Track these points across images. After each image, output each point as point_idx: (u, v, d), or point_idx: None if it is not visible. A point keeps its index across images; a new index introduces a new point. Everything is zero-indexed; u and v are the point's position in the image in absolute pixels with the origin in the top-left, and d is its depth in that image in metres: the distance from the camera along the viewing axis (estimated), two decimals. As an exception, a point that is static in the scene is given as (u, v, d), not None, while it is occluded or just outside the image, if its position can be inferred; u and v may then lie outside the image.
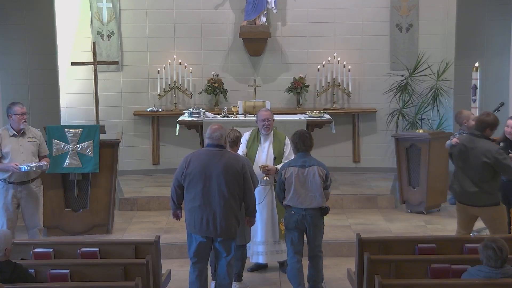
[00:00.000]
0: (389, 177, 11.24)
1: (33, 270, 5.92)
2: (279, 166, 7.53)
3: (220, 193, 6.62)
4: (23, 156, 7.72)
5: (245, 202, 6.82)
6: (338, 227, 9.18)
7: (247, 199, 6.80)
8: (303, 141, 7.03)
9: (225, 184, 6.62)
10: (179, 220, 7.06)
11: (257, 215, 7.55)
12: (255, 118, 7.99)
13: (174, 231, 9.07)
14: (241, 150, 7.78)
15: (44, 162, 7.80)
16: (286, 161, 7.52)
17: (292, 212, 7.02)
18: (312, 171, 6.97)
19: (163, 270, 6.93)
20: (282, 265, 7.98)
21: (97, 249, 6.41)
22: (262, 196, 7.70)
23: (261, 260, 7.84)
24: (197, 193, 6.66)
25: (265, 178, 7.58)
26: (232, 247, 6.78)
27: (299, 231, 7.06)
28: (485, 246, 5.47)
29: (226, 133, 6.91)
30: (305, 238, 7.16)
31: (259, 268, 8.04)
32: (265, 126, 7.75)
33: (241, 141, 7.78)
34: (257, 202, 7.48)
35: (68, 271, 5.96)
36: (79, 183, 9.01)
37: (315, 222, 7.02)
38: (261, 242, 7.75)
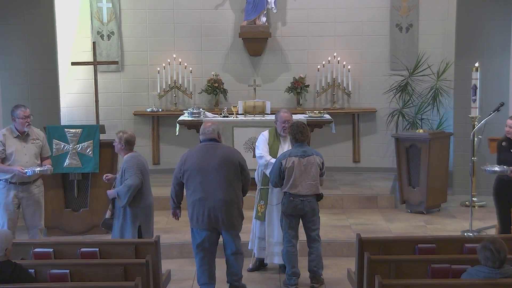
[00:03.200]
0: (389, 177, 11.24)
1: (33, 270, 5.91)
2: None
3: (219, 185, 6.83)
4: (26, 157, 7.73)
5: (243, 186, 7.09)
6: (338, 227, 9.17)
7: (246, 185, 7.10)
8: (301, 132, 7.41)
9: (223, 175, 6.84)
10: (178, 219, 7.28)
11: (274, 216, 7.73)
12: (274, 118, 7.98)
13: (174, 231, 9.06)
14: (264, 148, 7.83)
15: (48, 166, 7.84)
16: None
17: (291, 198, 7.37)
18: (311, 160, 7.38)
19: (163, 270, 6.93)
20: (283, 265, 7.95)
21: (97, 249, 6.41)
22: (280, 197, 7.67)
23: (276, 260, 7.85)
24: (196, 187, 6.88)
25: None
26: (236, 239, 7.04)
27: (296, 217, 7.47)
28: (483, 247, 5.46)
29: (218, 129, 7.14)
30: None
31: (259, 268, 8.04)
32: (285, 128, 7.77)
33: (260, 140, 7.91)
34: (275, 203, 7.67)
35: (68, 271, 5.95)
36: (79, 183, 9.01)
37: (313, 207, 7.44)
38: (277, 243, 7.76)
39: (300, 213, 7.42)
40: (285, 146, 7.80)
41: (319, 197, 7.52)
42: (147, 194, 7.24)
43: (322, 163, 7.48)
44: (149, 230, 7.29)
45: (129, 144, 7.28)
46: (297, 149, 7.42)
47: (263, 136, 7.92)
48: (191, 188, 6.93)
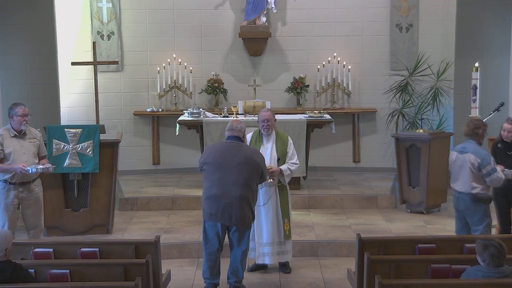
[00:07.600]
0: (389, 177, 11.24)
1: (33, 270, 5.92)
2: (283, 167, 7.63)
3: (237, 183, 6.93)
4: (25, 157, 7.72)
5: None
6: (338, 227, 9.17)
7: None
8: (467, 125, 7.41)
9: (243, 174, 6.95)
10: None
11: (262, 216, 7.72)
12: (257, 118, 8.00)
13: (174, 231, 9.07)
14: None
15: (49, 165, 7.83)
16: (289, 161, 7.73)
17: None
18: (466, 158, 7.34)
19: (163, 270, 6.93)
20: (283, 266, 7.97)
21: (97, 249, 6.41)
22: (267, 198, 7.69)
23: (267, 261, 7.84)
24: (214, 182, 6.99)
25: (269, 180, 7.58)
26: (245, 238, 7.12)
27: (459, 213, 7.58)
28: (485, 247, 5.46)
29: (245, 129, 7.28)
30: None
31: (259, 268, 8.03)
32: (265, 127, 7.77)
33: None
34: (262, 203, 7.65)
35: (68, 271, 5.96)
36: (79, 183, 9.01)
37: (467, 206, 7.41)
38: (267, 244, 7.75)
39: (458, 208, 7.48)
40: (268, 146, 7.79)
41: (475, 197, 7.30)
42: None
43: (479, 164, 7.23)
44: None
45: None
46: (461, 144, 7.53)
47: (247, 138, 7.92)
48: (208, 182, 7.05)
